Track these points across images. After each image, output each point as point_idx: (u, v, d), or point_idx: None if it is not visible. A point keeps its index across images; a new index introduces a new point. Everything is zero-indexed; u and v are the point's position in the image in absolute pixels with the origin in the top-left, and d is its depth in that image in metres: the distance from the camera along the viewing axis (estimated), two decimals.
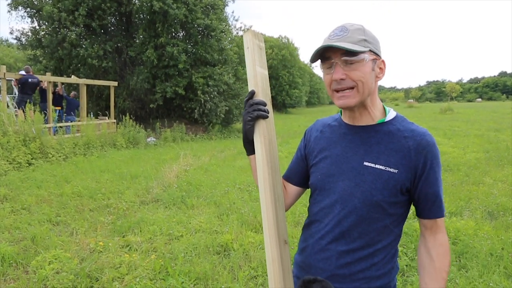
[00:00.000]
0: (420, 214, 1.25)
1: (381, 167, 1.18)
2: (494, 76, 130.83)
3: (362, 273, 1.22)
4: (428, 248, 1.23)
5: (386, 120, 1.24)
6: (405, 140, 1.19)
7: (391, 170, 1.17)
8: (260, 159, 1.24)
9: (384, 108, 1.28)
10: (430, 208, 1.21)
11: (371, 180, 1.19)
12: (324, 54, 1.17)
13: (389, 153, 1.19)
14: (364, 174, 1.20)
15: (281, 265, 1.17)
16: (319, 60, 1.21)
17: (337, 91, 1.18)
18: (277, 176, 1.28)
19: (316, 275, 1.24)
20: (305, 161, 1.41)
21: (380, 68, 1.21)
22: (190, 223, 4.82)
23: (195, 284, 3.30)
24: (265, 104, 1.26)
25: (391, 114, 1.26)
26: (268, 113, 1.27)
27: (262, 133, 1.25)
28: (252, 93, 1.27)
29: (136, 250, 3.99)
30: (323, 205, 1.28)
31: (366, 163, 1.20)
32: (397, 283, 1.40)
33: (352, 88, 1.16)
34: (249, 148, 1.33)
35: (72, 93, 14.01)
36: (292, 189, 1.45)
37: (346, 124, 1.30)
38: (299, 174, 1.43)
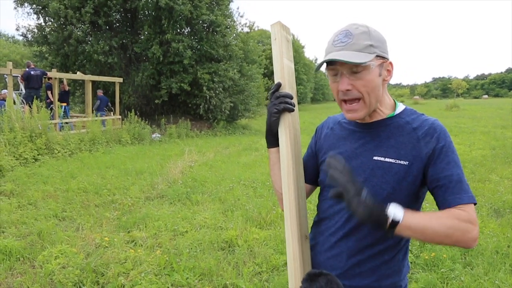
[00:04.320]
0: (438, 207, 1.14)
1: (391, 160, 1.15)
2: (501, 72, 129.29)
3: (373, 271, 1.20)
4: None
5: (395, 114, 1.22)
6: (415, 132, 1.16)
7: (402, 162, 1.14)
8: (284, 152, 1.22)
9: (394, 103, 1.26)
10: (444, 195, 1.10)
11: (381, 174, 1.16)
12: (329, 62, 1.14)
13: (399, 146, 1.16)
14: (374, 168, 1.17)
15: (302, 260, 1.16)
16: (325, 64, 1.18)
17: (345, 101, 1.17)
18: (300, 169, 1.28)
19: (322, 270, 1.24)
20: (315, 158, 1.40)
21: (388, 70, 1.18)
22: (195, 219, 4.83)
23: (199, 280, 3.31)
24: (291, 97, 1.24)
25: (400, 107, 1.24)
26: (294, 106, 1.25)
27: (287, 126, 1.23)
28: (279, 85, 1.25)
29: (141, 245, 4.01)
30: (332, 202, 1.26)
31: (375, 158, 1.18)
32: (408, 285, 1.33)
33: (359, 99, 1.14)
34: (272, 140, 1.31)
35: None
36: None
37: (355, 121, 1.28)
38: (310, 171, 1.42)
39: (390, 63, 1.19)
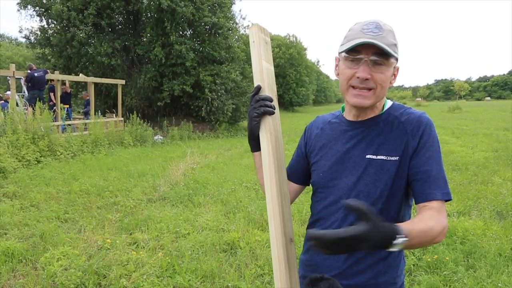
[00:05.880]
0: (414, 199, 1.17)
1: (382, 157, 1.17)
2: (504, 74, 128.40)
3: (370, 269, 1.20)
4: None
5: (384, 111, 1.24)
6: (403, 126, 1.18)
7: (393, 158, 1.16)
8: (266, 156, 1.21)
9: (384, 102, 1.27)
10: (421, 189, 1.13)
11: (374, 172, 1.17)
12: (355, 47, 1.13)
13: (389, 142, 1.17)
14: (367, 167, 1.18)
15: (287, 264, 1.15)
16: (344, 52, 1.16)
17: (354, 87, 1.16)
18: (283, 173, 1.27)
19: (324, 274, 1.24)
20: (306, 159, 1.40)
21: (394, 74, 1.21)
22: (197, 221, 4.83)
23: (201, 282, 3.31)
24: (271, 100, 1.23)
25: (388, 104, 1.26)
26: (274, 109, 1.24)
27: (268, 129, 1.22)
28: (258, 88, 1.24)
29: (143, 247, 4.01)
30: (327, 202, 1.27)
31: (368, 156, 1.19)
32: (404, 281, 1.33)
33: (371, 89, 1.15)
34: (254, 144, 1.29)
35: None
36: (293, 187, 1.44)
37: (347, 120, 1.28)
38: (300, 171, 1.42)
39: (398, 68, 1.21)
